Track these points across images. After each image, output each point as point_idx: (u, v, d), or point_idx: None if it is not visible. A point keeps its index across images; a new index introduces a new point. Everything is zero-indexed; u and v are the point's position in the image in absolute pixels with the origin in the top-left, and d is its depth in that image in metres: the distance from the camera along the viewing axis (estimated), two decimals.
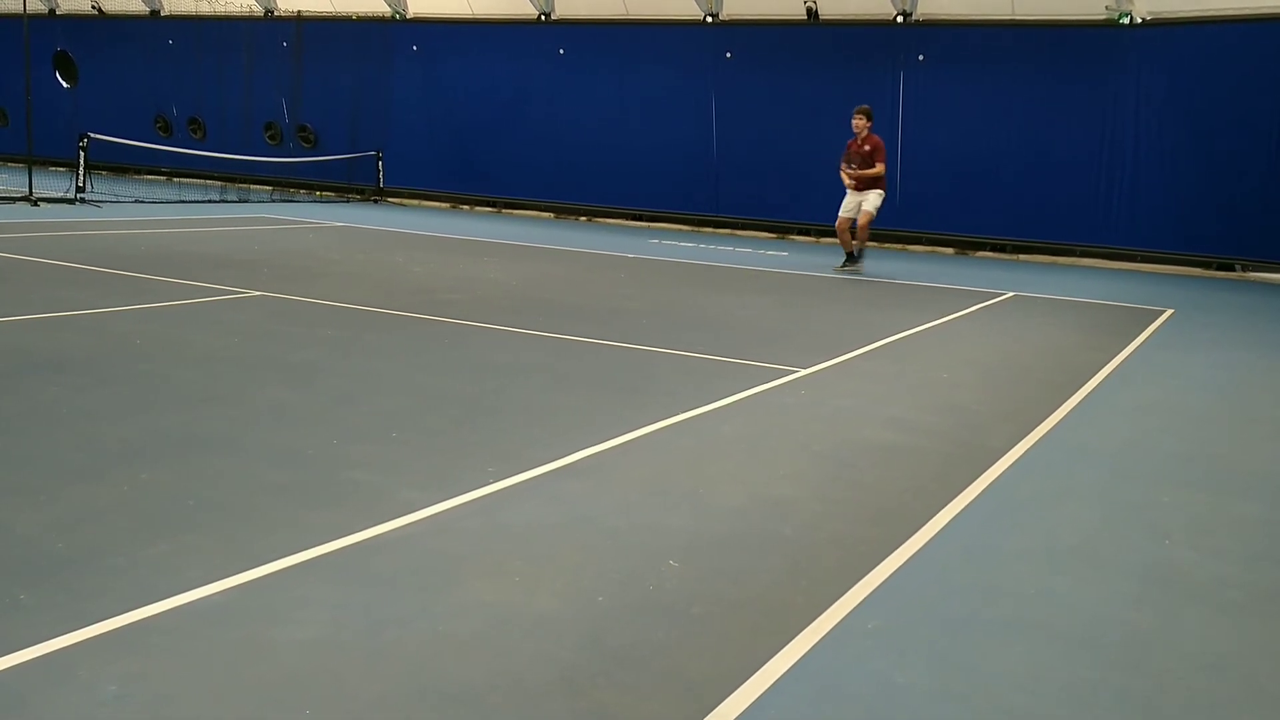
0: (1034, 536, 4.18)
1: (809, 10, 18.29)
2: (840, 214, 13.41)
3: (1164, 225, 16.22)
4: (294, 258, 11.66)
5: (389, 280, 10.30)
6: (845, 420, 5.82)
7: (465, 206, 21.87)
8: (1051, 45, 16.67)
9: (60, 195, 16.86)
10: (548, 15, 20.51)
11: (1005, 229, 17.35)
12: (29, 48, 17.00)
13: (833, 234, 18.37)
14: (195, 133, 24.18)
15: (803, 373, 6.96)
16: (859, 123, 13.17)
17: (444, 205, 22.03)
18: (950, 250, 17.71)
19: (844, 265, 13.65)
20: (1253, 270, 15.81)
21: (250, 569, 3.37)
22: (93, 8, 25.58)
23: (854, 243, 13.46)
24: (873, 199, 13.22)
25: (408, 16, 22.03)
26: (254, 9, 23.44)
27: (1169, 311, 11.24)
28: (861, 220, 13.24)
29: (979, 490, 4.68)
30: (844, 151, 13.41)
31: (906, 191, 17.78)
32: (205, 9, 23.62)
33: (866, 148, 13.20)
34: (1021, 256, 17.22)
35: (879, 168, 13.14)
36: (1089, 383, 7.18)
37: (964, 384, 6.98)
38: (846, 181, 13.34)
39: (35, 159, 17.49)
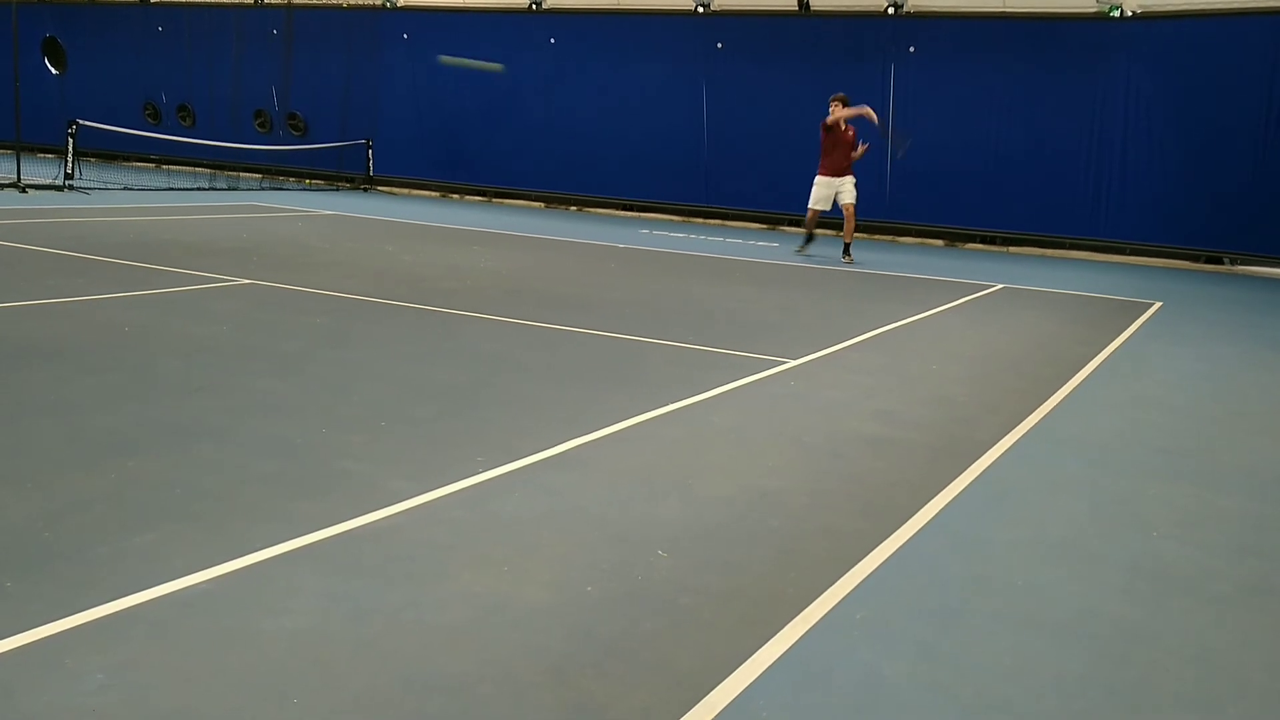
0: (1022, 528, 4.19)
1: (800, 1, 18.27)
2: (816, 206, 13.87)
3: (1153, 218, 16.26)
4: (283, 246, 11.63)
5: (379, 269, 10.28)
6: (834, 412, 5.83)
7: (455, 195, 21.83)
8: (1042, 38, 16.68)
9: (49, 182, 16.78)
10: (538, 4, 20.45)
11: (995, 221, 17.37)
12: (17, 34, 16.90)
13: (822, 226, 18.41)
14: (184, 120, 24.07)
15: (792, 364, 6.96)
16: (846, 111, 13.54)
17: (434, 194, 21.98)
18: (940, 242, 17.73)
19: (803, 247, 14.20)
20: (1241, 263, 15.86)
21: (238, 558, 3.36)
22: None
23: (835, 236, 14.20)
24: (852, 187, 13.77)
25: (398, 5, 21.95)
26: None
27: (1157, 304, 11.27)
28: (849, 212, 13.74)
29: (967, 482, 4.69)
30: (823, 134, 13.66)
31: (896, 183, 17.80)
32: None
33: (850, 133, 13.65)
34: (1011, 249, 17.25)
35: (862, 149, 13.78)
36: (1077, 375, 7.20)
37: (953, 376, 6.99)
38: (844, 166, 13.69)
39: (24, 145, 17.40)
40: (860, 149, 13.71)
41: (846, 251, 13.86)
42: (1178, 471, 5.16)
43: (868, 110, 13.45)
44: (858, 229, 14.46)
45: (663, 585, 3.39)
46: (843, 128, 13.58)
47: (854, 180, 13.73)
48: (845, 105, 13.51)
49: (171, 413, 4.98)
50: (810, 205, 13.86)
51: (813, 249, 14.18)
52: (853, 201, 13.68)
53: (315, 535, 3.59)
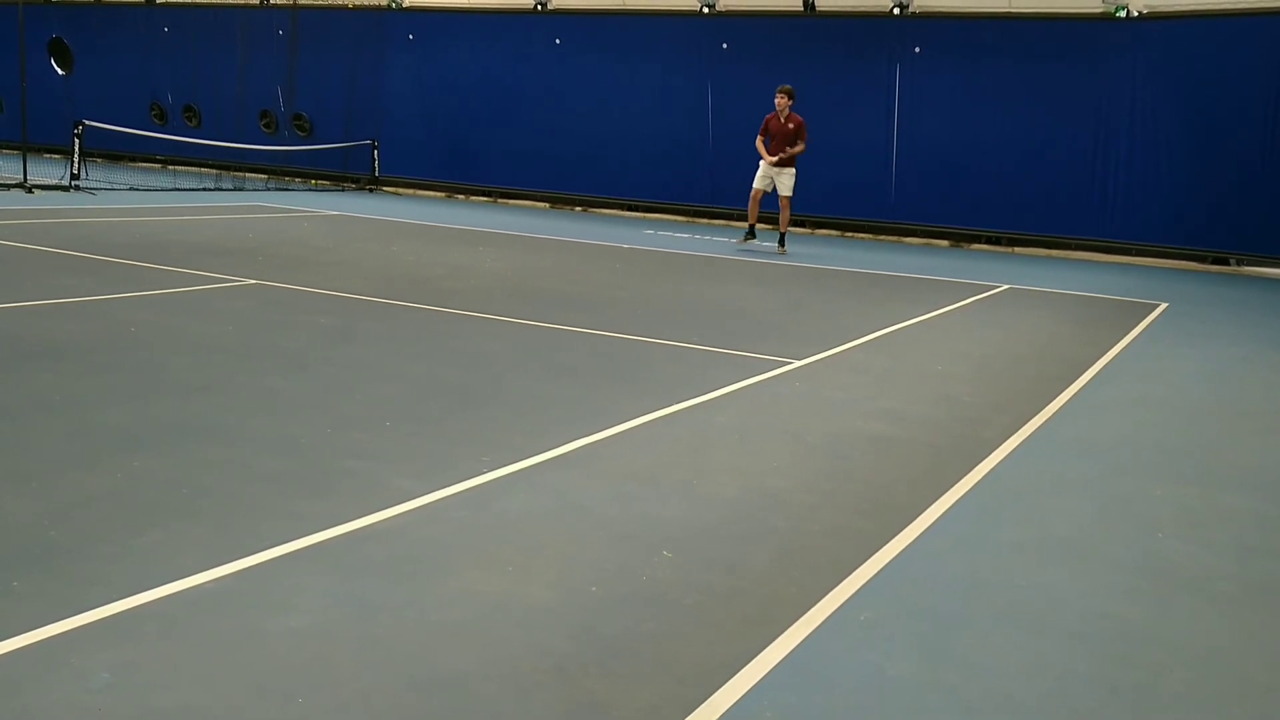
0: (1027, 529, 4.19)
1: (805, 1, 18.26)
2: (756, 185, 14.49)
3: (1159, 219, 16.23)
4: (289, 246, 11.64)
5: (384, 269, 10.29)
6: (839, 412, 5.83)
7: (460, 196, 21.83)
8: (1048, 38, 16.66)
9: (55, 182, 16.80)
10: (544, 5, 20.45)
11: (1000, 222, 17.35)
12: (24, 34, 16.93)
13: (828, 226, 18.54)
14: (190, 120, 24.09)
15: (797, 364, 6.96)
16: (782, 101, 14.14)
17: (439, 194, 21.98)
18: (945, 243, 17.71)
19: (745, 239, 14.75)
20: (1247, 264, 15.82)
21: (243, 557, 3.37)
22: None
23: (769, 227, 14.86)
24: (790, 179, 14.30)
25: (404, 5, 21.96)
26: None
27: (1163, 305, 11.25)
28: (784, 203, 14.34)
29: (972, 482, 4.69)
30: (762, 126, 14.38)
31: (902, 184, 17.79)
32: None
33: (790, 125, 14.17)
34: (1016, 249, 17.23)
35: (800, 146, 14.13)
36: (1083, 376, 7.19)
37: (958, 376, 6.99)
38: (770, 159, 14.25)
39: (30, 146, 17.42)
40: (794, 150, 14.22)
41: (781, 242, 14.40)
42: (1182, 472, 5.15)
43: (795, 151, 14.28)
44: (794, 221, 15.20)
45: (667, 585, 3.39)
46: (783, 120, 14.17)
47: (794, 172, 14.29)
48: (791, 97, 14.11)
49: (177, 412, 4.99)
50: (754, 185, 14.50)
51: (756, 243, 14.77)
52: (789, 194, 14.29)
53: (320, 534, 3.60)
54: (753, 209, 14.66)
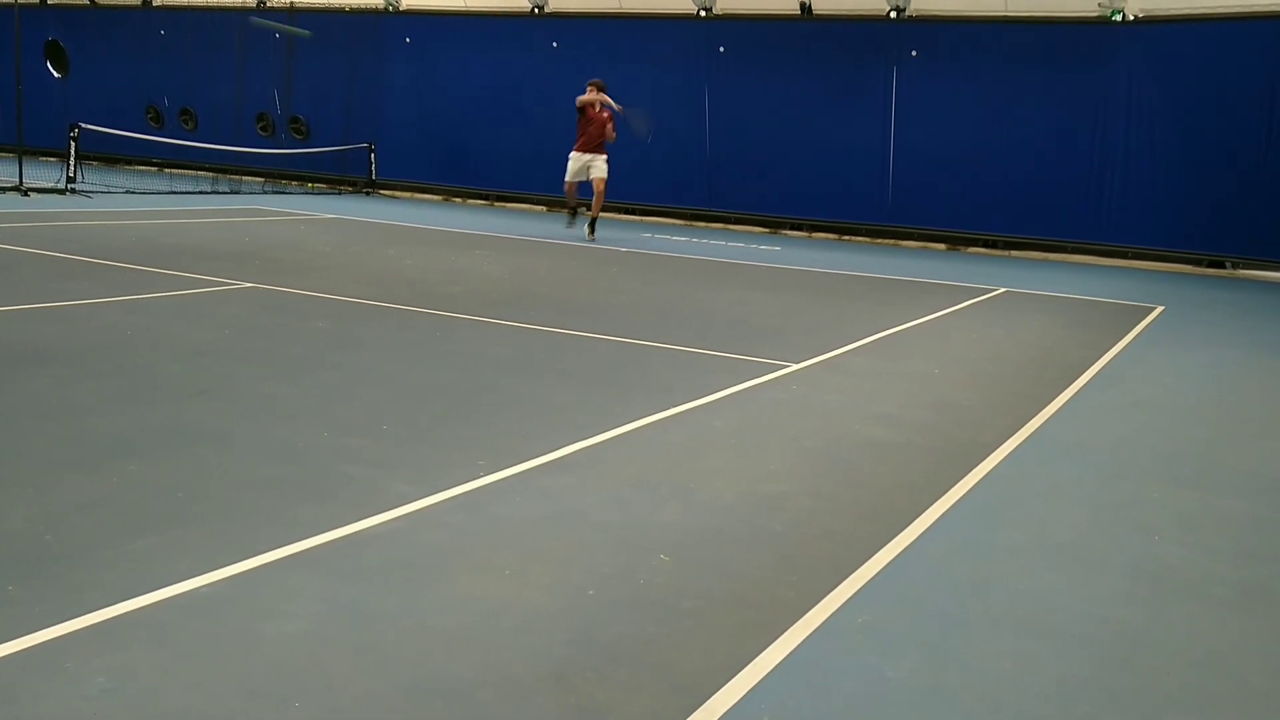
0: (1024, 532, 4.18)
1: (802, 5, 18.29)
2: (571, 178, 15.40)
3: (1155, 222, 16.26)
4: (285, 250, 11.63)
5: (381, 273, 10.28)
6: (836, 416, 5.82)
7: (457, 199, 21.84)
8: (1044, 42, 16.69)
9: (51, 185, 16.79)
10: (541, 8, 20.47)
11: (997, 225, 17.38)
12: (20, 37, 16.92)
13: (825, 229, 18.57)
14: (187, 124, 24.08)
15: (794, 368, 6.96)
16: (593, 94, 14.90)
17: (436, 198, 21.99)
18: (942, 246, 17.73)
19: (586, 230, 15.27)
20: (1243, 268, 15.85)
21: (239, 562, 3.36)
22: None
23: (586, 210, 15.42)
24: (605, 165, 15.08)
25: (400, 8, 21.98)
26: (246, 0, 23.36)
27: (1160, 309, 11.27)
28: (601, 188, 15.06)
29: (969, 486, 4.69)
30: (584, 116, 15.03)
31: (898, 187, 17.81)
32: None
33: (606, 115, 14.92)
34: (1013, 253, 17.25)
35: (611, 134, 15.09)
36: (1080, 379, 7.19)
37: (955, 380, 6.99)
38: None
39: (26, 149, 17.40)
40: (610, 134, 14.98)
41: (591, 228, 15.03)
42: (1180, 475, 5.15)
43: (616, 108, 14.97)
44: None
45: (664, 589, 3.39)
46: (596, 109, 14.80)
47: (606, 159, 14.98)
48: (601, 90, 14.73)
49: (173, 416, 4.98)
50: (566, 179, 15.17)
51: (579, 226, 15.40)
52: (602, 177, 14.89)
53: (316, 539, 3.59)
54: (572, 197, 15.48)
